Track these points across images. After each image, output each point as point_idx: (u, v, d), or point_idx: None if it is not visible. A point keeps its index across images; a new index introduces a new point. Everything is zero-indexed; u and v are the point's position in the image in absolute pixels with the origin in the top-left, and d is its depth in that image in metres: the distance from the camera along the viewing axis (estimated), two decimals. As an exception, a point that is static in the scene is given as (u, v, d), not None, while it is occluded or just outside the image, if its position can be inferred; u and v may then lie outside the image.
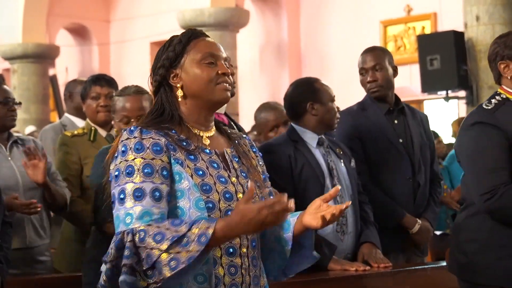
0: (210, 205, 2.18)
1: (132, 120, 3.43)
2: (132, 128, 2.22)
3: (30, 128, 11.90)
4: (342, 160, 3.78)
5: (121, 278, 2.07)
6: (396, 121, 4.13)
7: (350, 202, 2.30)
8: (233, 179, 2.27)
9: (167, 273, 2.04)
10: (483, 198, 2.95)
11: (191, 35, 2.34)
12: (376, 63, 4.09)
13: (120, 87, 4.31)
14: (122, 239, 2.10)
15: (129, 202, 2.14)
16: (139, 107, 3.48)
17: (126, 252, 2.07)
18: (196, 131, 2.30)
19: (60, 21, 15.55)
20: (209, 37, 2.37)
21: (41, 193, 3.90)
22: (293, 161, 3.63)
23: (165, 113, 2.29)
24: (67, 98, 4.94)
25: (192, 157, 2.23)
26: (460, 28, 9.48)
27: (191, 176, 2.19)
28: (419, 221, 4.03)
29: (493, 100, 3.07)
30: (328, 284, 3.39)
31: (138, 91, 3.52)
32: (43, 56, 14.09)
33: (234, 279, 2.21)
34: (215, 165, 2.26)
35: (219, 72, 2.28)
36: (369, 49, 4.22)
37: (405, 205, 4.04)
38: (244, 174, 2.30)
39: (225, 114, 3.55)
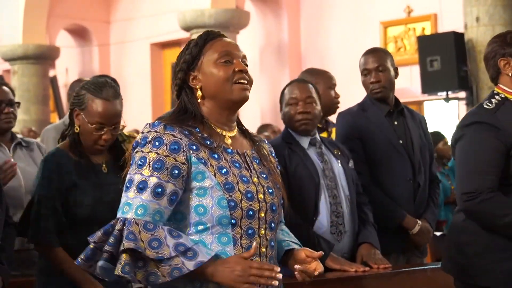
0: (232, 204, 2.21)
1: (105, 129, 3.22)
2: (155, 123, 2.26)
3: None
4: (339, 161, 3.79)
5: (99, 263, 2.14)
6: (396, 123, 4.13)
7: (321, 253, 2.33)
8: (255, 179, 2.30)
9: (117, 271, 2.11)
10: (463, 197, 2.96)
11: (207, 37, 2.36)
12: (379, 64, 4.10)
13: (121, 89, 4.32)
14: (113, 226, 2.15)
15: (131, 192, 2.19)
16: (116, 114, 3.24)
17: (111, 239, 2.13)
18: (218, 130, 2.33)
19: (60, 22, 15.56)
20: (226, 37, 2.39)
21: None
22: (287, 161, 3.65)
23: (188, 112, 2.33)
24: (71, 97, 4.92)
25: (215, 155, 2.27)
26: (460, 29, 9.48)
27: (214, 175, 2.23)
28: (419, 222, 4.04)
29: (493, 100, 3.06)
30: (327, 285, 3.39)
31: (116, 94, 3.26)
32: (44, 57, 14.10)
33: None
34: (237, 164, 2.29)
35: (236, 69, 2.31)
36: (372, 50, 4.22)
37: (405, 206, 4.05)
38: (264, 176, 2.34)
39: None
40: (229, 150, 2.31)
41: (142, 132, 2.25)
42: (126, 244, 2.10)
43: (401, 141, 4.09)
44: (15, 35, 13.97)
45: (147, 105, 14.74)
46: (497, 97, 3.07)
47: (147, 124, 2.28)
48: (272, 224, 2.31)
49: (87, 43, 16.21)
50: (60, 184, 3.24)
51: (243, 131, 2.43)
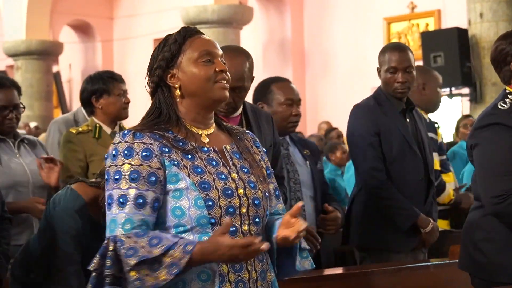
0: (210, 203, 2.18)
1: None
2: (125, 132, 2.23)
3: (32, 124, 11.93)
4: (307, 161, 3.79)
5: None
6: (408, 120, 4.08)
7: (302, 203, 2.28)
8: (234, 175, 2.26)
9: None
10: (493, 201, 2.92)
11: (186, 34, 2.32)
12: (410, 65, 3.98)
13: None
14: (106, 247, 2.13)
15: (114, 209, 2.16)
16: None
17: (108, 262, 2.10)
18: (194, 130, 2.30)
19: (63, 18, 15.57)
20: (204, 34, 2.36)
21: (49, 192, 3.92)
22: None
23: (162, 114, 2.29)
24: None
25: (189, 156, 2.23)
26: (463, 25, 9.47)
27: (188, 175, 2.19)
28: (432, 221, 4.00)
29: (507, 100, 3.01)
30: (331, 282, 3.39)
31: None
32: (47, 53, 14.12)
33: (240, 275, 2.21)
34: (214, 162, 2.25)
35: (217, 69, 2.28)
36: (399, 47, 4.10)
37: (417, 205, 3.99)
38: (245, 170, 2.30)
39: (244, 112, 3.46)
40: (205, 149, 2.27)
41: (113, 143, 2.22)
42: (130, 262, 2.08)
43: (413, 139, 4.04)
44: (19, 31, 13.98)
45: (149, 101, 14.73)
46: (510, 96, 3.04)
47: (117, 134, 2.24)
48: (257, 218, 2.26)
49: (91, 39, 16.22)
50: (79, 241, 3.15)
51: (221, 126, 2.39)
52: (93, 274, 2.14)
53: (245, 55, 3.36)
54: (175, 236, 2.12)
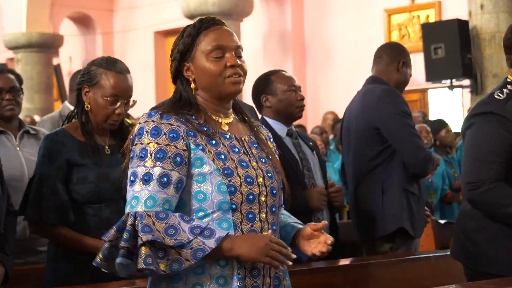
0: (232, 189, 2.21)
1: (119, 103, 3.20)
2: (152, 113, 2.25)
3: (37, 118, 11.92)
4: (314, 152, 3.84)
5: (118, 260, 2.13)
6: None
7: (325, 223, 2.36)
8: (254, 163, 2.29)
9: (139, 264, 2.10)
10: (467, 187, 2.95)
11: (201, 26, 2.33)
12: None
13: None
14: (125, 221, 2.15)
15: (137, 186, 2.18)
16: (130, 87, 3.26)
17: (125, 235, 2.12)
18: (214, 117, 2.33)
19: (64, 10, 15.55)
20: (220, 24, 2.35)
21: None
22: None
23: (183, 100, 2.32)
24: (73, 90, 4.88)
25: (213, 141, 2.26)
26: (464, 16, 9.46)
27: (213, 160, 2.22)
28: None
29: (505, 90, 3.02)
30: (333, 273, 3.40)
31: (127, 69, 3.30)
32: (47, 46, 14.10)
33: (255, 263, 2.23)
34: (236, 149, 2.29)
35: (227, 64, 2.29)
36: None
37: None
38: (263, 160, 2.33)
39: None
40: (227, 136, 2.31)
41: (139, 123, 2.24)
42: (144, 237, 2.09)
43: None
44: (19, 23, 13.97)
45: (150, 93, 14.75)
46: (509, 86, 3.03)
47: (144, 114, 2.26)
48: (273, 208, 2.31)
49: (91, 31, 16.21)
50: (62, 163, 3.20)
51: (240, 117, 2.42)
52: (106, 245, 2.15)
53: None
54: (192, 232, 2.14)
